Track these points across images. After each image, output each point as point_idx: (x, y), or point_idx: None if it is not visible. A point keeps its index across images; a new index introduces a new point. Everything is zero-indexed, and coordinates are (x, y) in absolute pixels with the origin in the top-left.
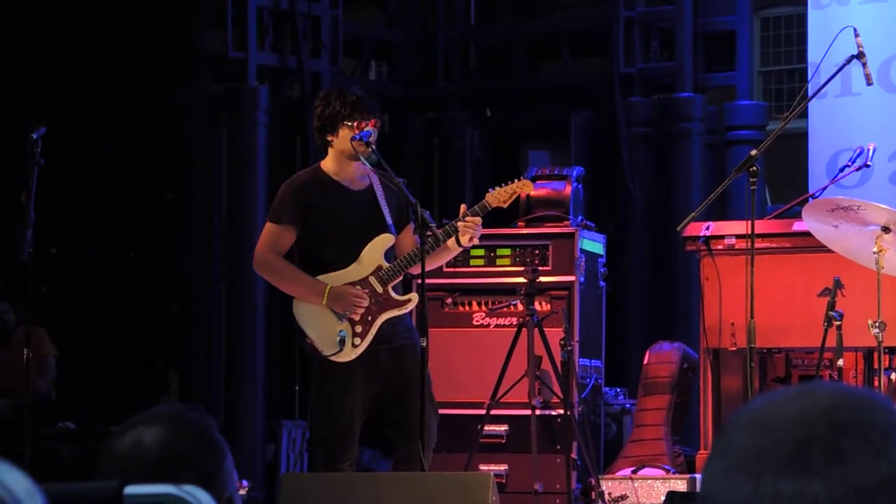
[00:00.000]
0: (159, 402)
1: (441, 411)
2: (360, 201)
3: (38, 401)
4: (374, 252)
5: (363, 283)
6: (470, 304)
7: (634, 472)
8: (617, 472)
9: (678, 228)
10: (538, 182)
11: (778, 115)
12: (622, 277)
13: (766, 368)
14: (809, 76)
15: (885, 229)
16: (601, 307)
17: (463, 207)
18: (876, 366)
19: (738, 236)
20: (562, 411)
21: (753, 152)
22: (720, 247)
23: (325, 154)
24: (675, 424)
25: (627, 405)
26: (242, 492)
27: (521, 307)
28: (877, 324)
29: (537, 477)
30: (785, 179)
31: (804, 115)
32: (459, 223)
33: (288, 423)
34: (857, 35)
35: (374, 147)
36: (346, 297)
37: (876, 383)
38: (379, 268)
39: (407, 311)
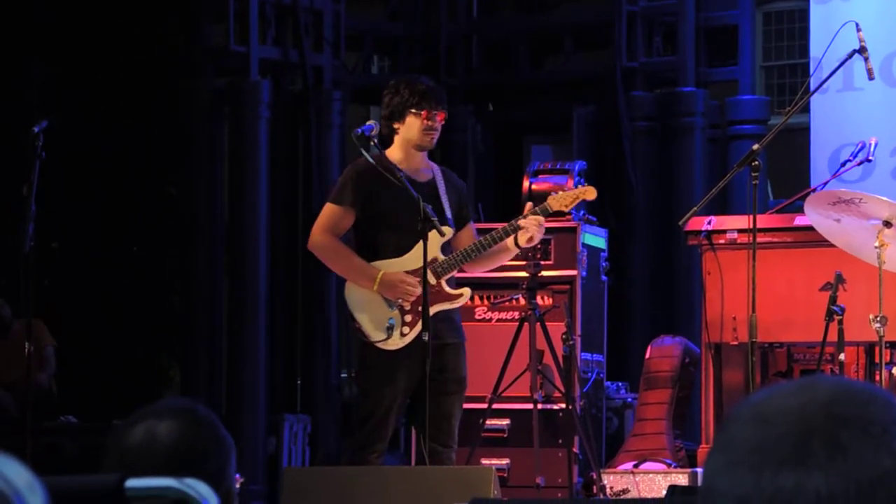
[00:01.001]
0: (161, 396)
1: None
2: (421, 193)
3: (38, 392)
4: (431, 244)
5: (416, 273)
6: (472, 299)
7: (636, 466)
8: (618, 466)
9: (680, 223)
10: (540, 176)
11: (780, 109)
12: (624, 272)
13: (767, 363)
14: (811, 71)
15: (887, 224)
16: (603, 301)
17: (528, 206)
18: (877, 360)
19: (740, 231)
20: (563, 405)
21: (755, 147)
22: (722, 241)
23: (389, 143)
24: (676, 418)
25: (629, 399)
26: (237, 485)
27: (522, 301)
28: (878, 318)
29: (539, 471)
30: (787, 174)
31: (806, 109)
32: (521, 221)
33: (290, 417)
34: (858, 30)
35: (376, 141)
36: (397, 284)
37: (877, 378)
38: (434, 260)
39: (458, 305)
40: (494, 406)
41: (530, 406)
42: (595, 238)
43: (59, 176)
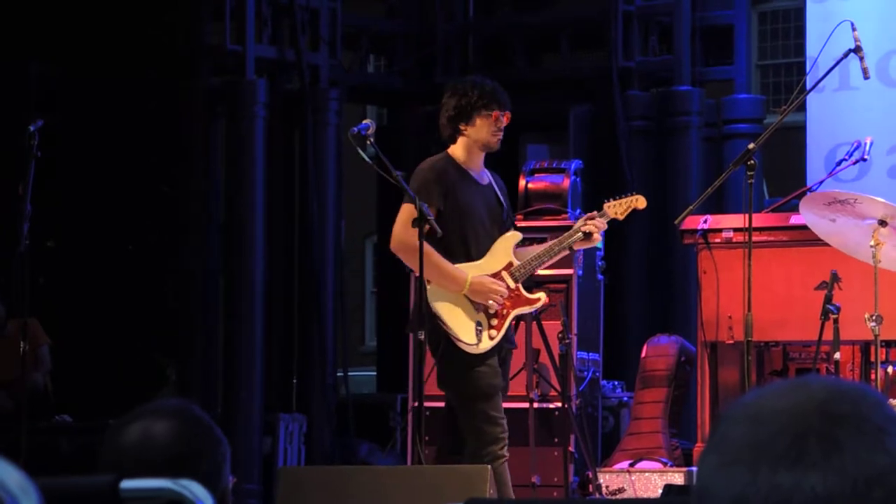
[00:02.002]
0: (157, 396)
1: (438, 404)
2: (488, 194)
3: (34, 391)
4: (506, 247)
5: (496, 276)
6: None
7: (632, 465)
8: (614, 464)
9: (676, 222)
10: (536, 175)
11: (775, 108)
12: (620, 271)
13: (763, 362)
14: (807, 70)
15: (882, 223)
16: (599, 300)
17: (593, 214)
18: (872, 359)
19: (736, 230)
20: (559, 404)
21: (751, 146)
22: (718, 240)
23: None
24: (672, 417)
25: (625, 398)
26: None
27: None
28: (873, 317)
29: (535, 470)
30: (783, 173)
31: (802, 108)
32: (590, 224)
33: (285, 417)
34: (854, 29)
35: (372, 140)
36: (489, 289)
37: (872, 376)
38: (510, 263)
39: (537, 307)
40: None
41: (526, 405)
42: None
43: (54, 175)
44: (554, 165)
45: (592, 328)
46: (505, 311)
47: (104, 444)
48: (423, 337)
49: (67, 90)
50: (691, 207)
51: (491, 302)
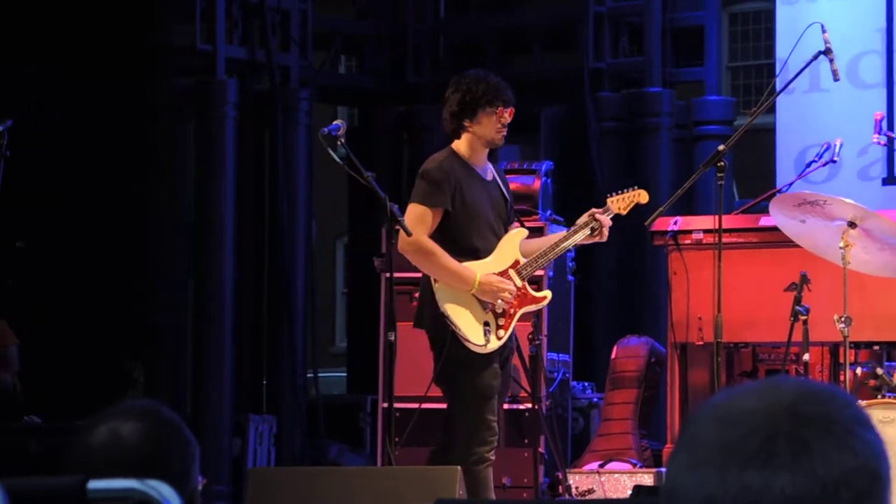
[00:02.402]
0: (126, 397)
1: (408, 405)
2: (492, 190)
3: (2, 392)
4: (512, 245)
5: (503, 275)
6: None
7: (601, 466)
8: (584, 465)
9: (646, 223)
10: (506, 176)
11: (745, 110)
12: (590, 272)
13: (732, 363)
14: (777, 72)
15: (852, 224)
16: (569, 301)
17: (593, 210)
18: (841, 360)
19: (706, 231)
20: (530, 405)
21: (721, 147)
22: (688, 241)
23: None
24: (642, 418)
25: (595, 399)
26: (199, 486)
27: None
28: (842, 319)
29: (505, 471)
30: (753, 175)
31: (772, 110)
32: (600, 216)
33: (255, 418)
34: (824, 31)
35: (342, 141)
36: (495, 288)
37: (841, 378)
38: (517, 262)
39: (541, 306)
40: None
41: None
42: None
43: (23, 175)
44: (525, 166)
45: (563, 329)
46: (512, 311)
47: (73, 445)
48: (393, 338)
49: (36, 91)
50: (661, 209)
51: (500, 301)
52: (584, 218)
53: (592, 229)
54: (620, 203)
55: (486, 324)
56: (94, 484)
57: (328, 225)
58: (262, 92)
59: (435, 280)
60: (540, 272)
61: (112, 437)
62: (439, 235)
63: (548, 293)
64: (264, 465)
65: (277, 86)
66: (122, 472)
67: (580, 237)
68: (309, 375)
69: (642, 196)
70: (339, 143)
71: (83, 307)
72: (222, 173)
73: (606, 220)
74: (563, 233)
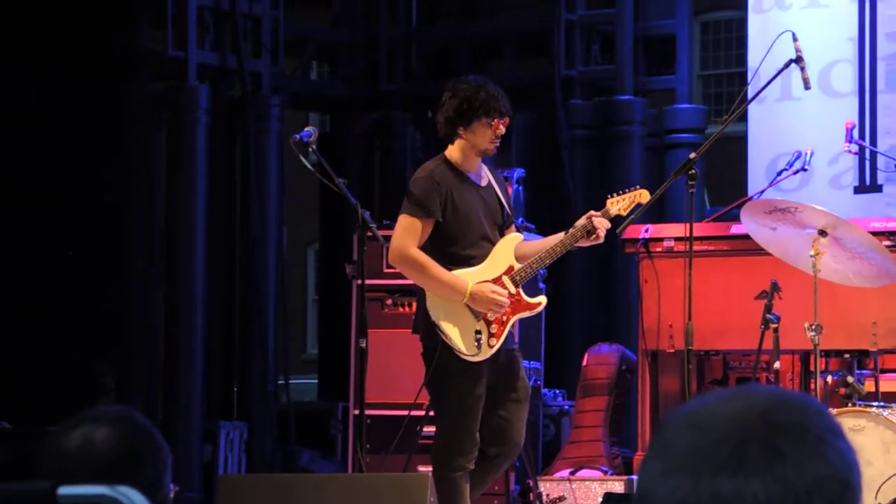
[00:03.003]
0: (96, 403)
1: (380, 412)
2: (487, 195)
3: None
4: (506, 250)
5: (496, 282)
6: (410, 305)
7: (572, 473)
8: (555, 473)
9: (617, 231)
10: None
11: (717, 118)
12: (562, 279)
13: (703, 370)
14: (749, 80)
15: (822, 233)
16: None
17: (591, 213)
18: (812, 369)
19: (677, 239)
20: None
21: (692, 155)
22: (659, 249)
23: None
24: (613, 426)
25: (566, 406)
26: (172, 494)
27: None
28: (813, 327)
29: None
30: (724, 183)
31: (743, 118)
32: (596, 221)
33: (226, 424)
34: (795, 40)
35: (314, 147)
36: (489, 296)
37: (812, 386)
38: (511, 268)
39: (535, 312)
40: (432, 413)
41: None
42: None
43: None
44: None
45: (534, 337)
46: (505, 318)
47: (45, 451)
48: (364, 345)
49: (5, 95)
50: (633, 217)
51: (491, 311)
52: (581, 220)
53: (588, 232)
54: (621, 204)
55: (478, 332)
56: (65, 490)
57: (299, 231)
58: (234, 98)
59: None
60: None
61: (85, 442)
62: (431, 245)
63: (543, 299)
64: (235, 472)
65: (249, 92)
66: (93, 477)
67: (577, 239)
68: (280, 382)
69: (643, 196)
70: (310, 149)
71: (53, 312)
72: (194, 179)
73: (603, 223)
74: (560, 235)
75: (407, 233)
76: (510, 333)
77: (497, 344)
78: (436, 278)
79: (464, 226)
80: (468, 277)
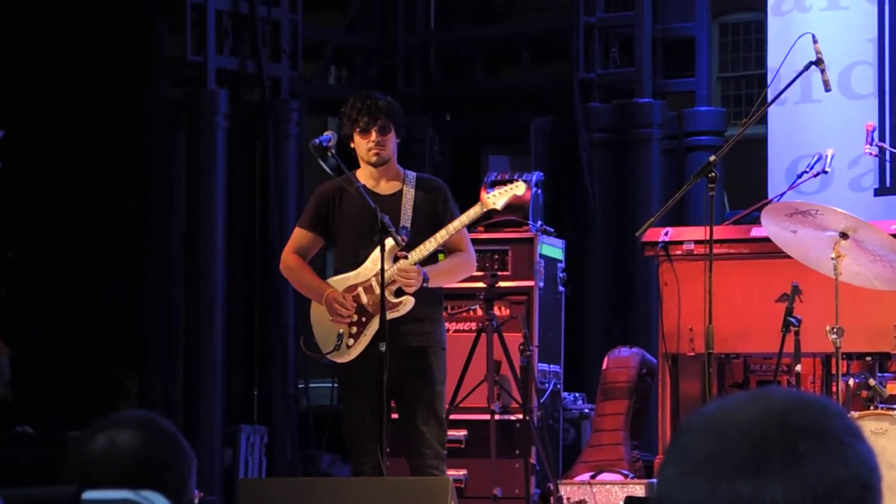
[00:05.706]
0: (118, 408)
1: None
2: (380, 205)
3: None
4: (375, 257)
5: (352, 289)
6: None
7: (593, 477)
8: (575, 477)
9: (637, 234)
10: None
11: (736, 121)
12: (581, 282)
13: (724, 374)
14: (768, 82)
15: (843, 235)
16: (560, 312)
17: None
18: (834, 372)
19: (697, 242)
20: (521, 416)
21: (712, 158)
22: (679, 252)
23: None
24: (633, 429)
25: (586, 410)
26: (196, 500)
27: (480, 312)
28: (834, 330)
29: (496, 482)
30: (743, 185)
31: (763, 121)
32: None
33: (246, 428)
34: (815, 42)
35: (333, 152)
36: (331, 303)
37: (834, 389)
38: (377, 273)
39: (400, 313)
40: (451, 417)
41: (487, 417)
42: (552, 249)
43: (14, 185)
44: (514, 177)
45: (553, 340)
46: (364, 319)
47: (69, 455)
48: (384, 349)
49: (26, 101)
50: (652, 220)
51: (334, 318)
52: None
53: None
54: (496, 199)
55: (340, 335)
56: (90, 494)
57: None
58: (253, 103)
59: None
60: (530, 283)
61: (109, 446)
62: (334, 251)
63: (406, 298)
64: (256, 476)
65: (268, 97)
66: (117, 482)
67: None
68: (300, 386)
69: (519, 188)
70: (329, 154)
71: (74, 317)
72: (213, 184)
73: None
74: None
75: (290, 240)
76: (424, 331)
77: (357, 345)
78: (301, 281)
79: (345, 233)
80: (337, 284)
